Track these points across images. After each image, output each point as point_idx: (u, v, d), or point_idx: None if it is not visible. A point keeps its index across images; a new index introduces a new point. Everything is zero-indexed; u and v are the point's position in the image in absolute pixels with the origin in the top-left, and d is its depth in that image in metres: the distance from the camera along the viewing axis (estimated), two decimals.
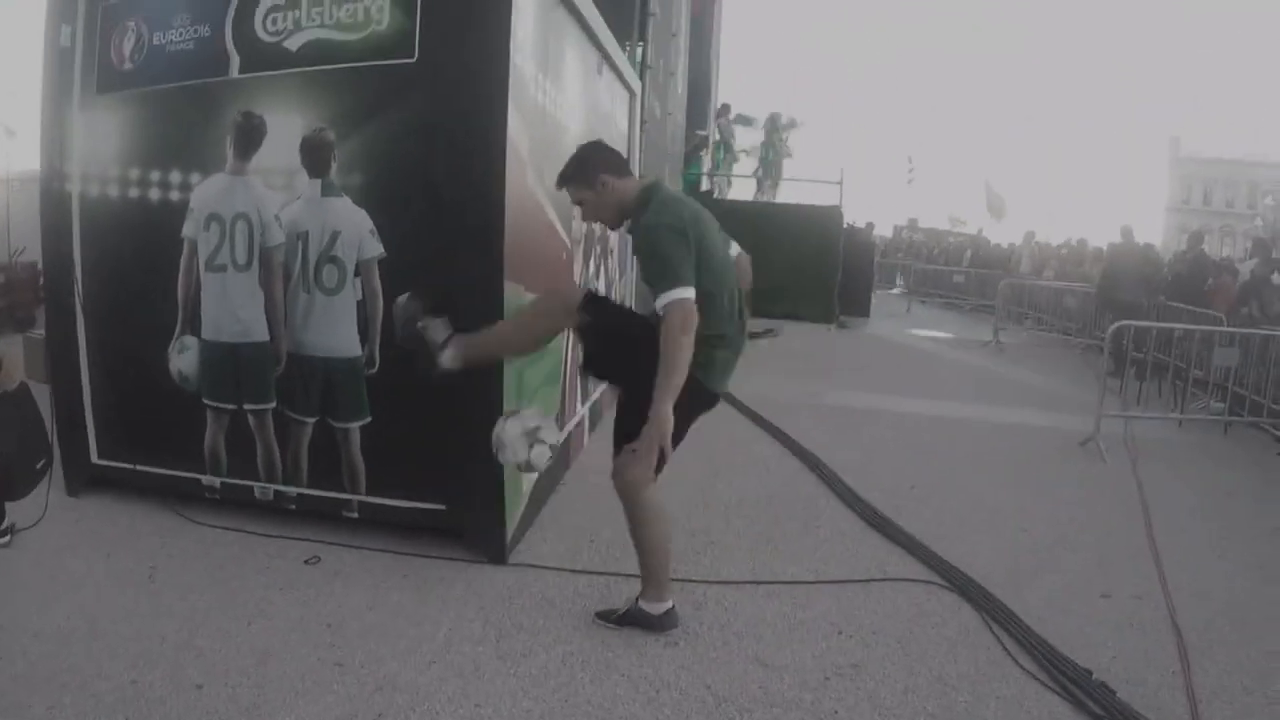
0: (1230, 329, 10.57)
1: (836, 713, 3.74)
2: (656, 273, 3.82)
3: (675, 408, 3.74)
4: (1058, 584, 5.24)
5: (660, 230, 3.88)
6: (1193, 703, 3.99)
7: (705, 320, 3.84)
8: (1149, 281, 13.65)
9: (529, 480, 5.31)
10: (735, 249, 4.25)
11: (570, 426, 6.65)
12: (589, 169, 4.09)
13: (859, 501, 6.46)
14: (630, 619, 4.21)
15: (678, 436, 3.88)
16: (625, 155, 4.54)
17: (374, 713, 3.51)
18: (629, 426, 3.92)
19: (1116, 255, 14.46)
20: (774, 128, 20.34)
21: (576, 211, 5.39)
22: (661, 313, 3.75)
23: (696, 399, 4.02)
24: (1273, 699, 4.08)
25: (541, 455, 4.13)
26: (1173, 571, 5.50)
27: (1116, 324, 10.20)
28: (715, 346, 4.02)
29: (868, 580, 5.09)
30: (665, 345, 3.69)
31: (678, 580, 4.35)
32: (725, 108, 21.81)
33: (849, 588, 4.98)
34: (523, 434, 4.09)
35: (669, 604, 4.21)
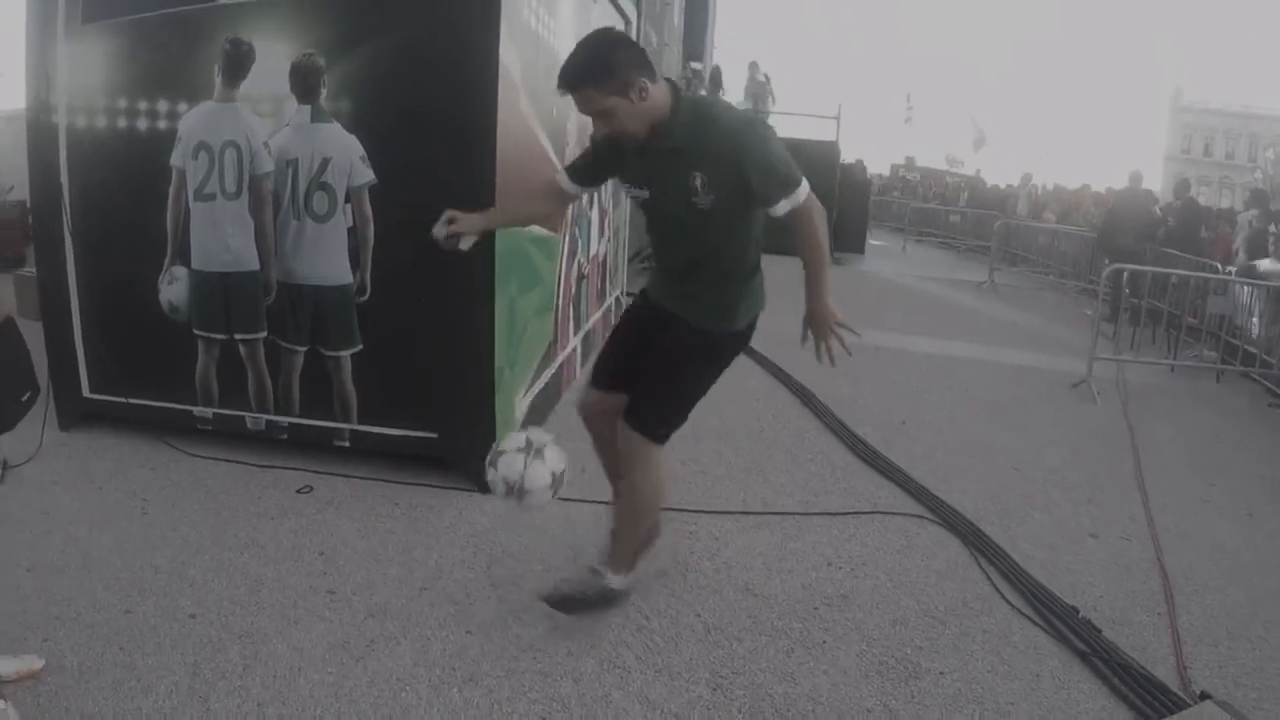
0: (1225, 277, 10.56)
1: (824, 642, 3.77)
2: (780, 176, 3.29)
3: (724, 356, 3.66)
4: (1046, 522, 5.28)
5: (757, 129, 3.34)
6: (1177, 643, 4.01)
7: (757, 249, 3.66)
8: (1149, 228, 13.61)
9: (521, 409, 5.33)
10: None
11: (562, 357, 6.65)
12: (619, 69, 3.15)
13: (850, 435, 6.49)
14: (595, 601, 3.67)
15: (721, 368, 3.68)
16: None
17: (366, 639, 3.52)
18: (660, 371, 3.61)
19: (1121, 201, 14.34)
20: (751, 78, 20.11)
21: (570, 133, 5.27)
22: (796, 209, 3.33)
23: (739, 339, 3.73)
24: (1256, 642, 4.12)
25: (535, 474, 3.48)
26: (1160, 514, 5.54)
27: (1111, 267, 10.19)
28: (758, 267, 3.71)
29: (857, 513, 5.11)
30: (818, 239, 3.38)
31: (668, 509, 4.27)
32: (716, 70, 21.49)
33: (839, 520, 5.00)
34: (524, 447, 3.55)
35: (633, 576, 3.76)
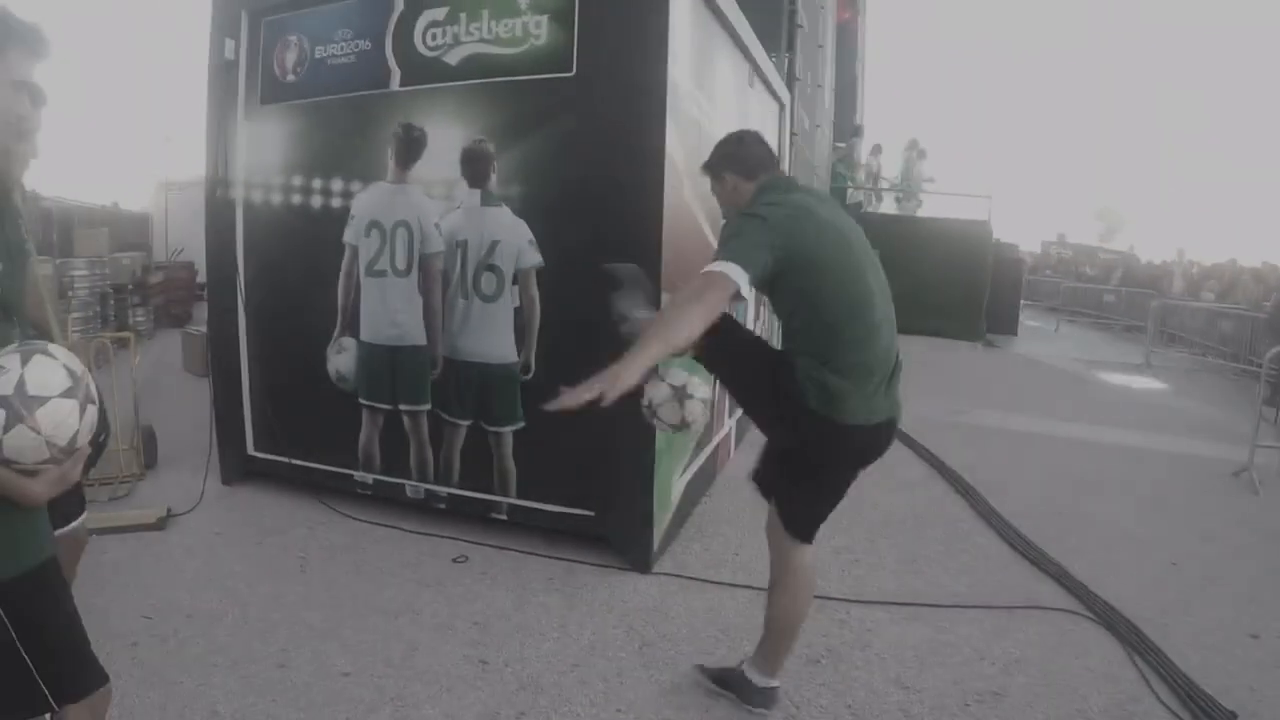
0: None
1: None
2: (719, 247, 3.25)
3: (814, 451, 3.46)
4: (1205, 621, 5.08)
5: (744, 213, 3.40)
6: None
7: (811, 338, 3.33)
8: None
9: (677, 490, 5.40)
10: None
11: (718, 439, 6.70)
12: (719, 162, 3.80)
13: (1005, 526, 6.36)
14: (731, 682, 3.78)
15: (833, 488, 3.56)
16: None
17: (516, 711, 3.60)
18: (774, 471, 3.65)
19: None
20: (911, 152, 19.99)
21: None
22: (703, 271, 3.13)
23: (823, 436, 3.38)
24: None
25: (694, 410, 3.70)
26: None
27: (1277, 349, 9.83)
28: (827, 370, 3.30)
29: (1011, 607, 5.00)
30: (677, 301, 3.06)
31: (821, 597, 4.34)
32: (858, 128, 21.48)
33: (993, 613, 4.90)
34: (671, 394, 3.71)
35: (776, 683, 3.75)
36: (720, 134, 5.87)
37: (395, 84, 5.16)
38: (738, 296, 3.06)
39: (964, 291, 16.71)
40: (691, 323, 2.96)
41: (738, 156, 3.76)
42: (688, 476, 5.75)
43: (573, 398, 2.89)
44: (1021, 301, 20.94)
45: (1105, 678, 4.34)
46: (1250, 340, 14.82)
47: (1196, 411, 11.99)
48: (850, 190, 18.77)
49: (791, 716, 3.75)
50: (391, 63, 5.15)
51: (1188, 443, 9.93)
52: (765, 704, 3.70)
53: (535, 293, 4.90)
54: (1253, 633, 4.99)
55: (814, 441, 3.40)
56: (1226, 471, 8.45)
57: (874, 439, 3.42)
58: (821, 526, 3.62)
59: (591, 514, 5.04)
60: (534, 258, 4.87)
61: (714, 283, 3.01)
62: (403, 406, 5.28)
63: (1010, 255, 19.79)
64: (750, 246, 3.16)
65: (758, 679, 3.70)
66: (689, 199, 5.20)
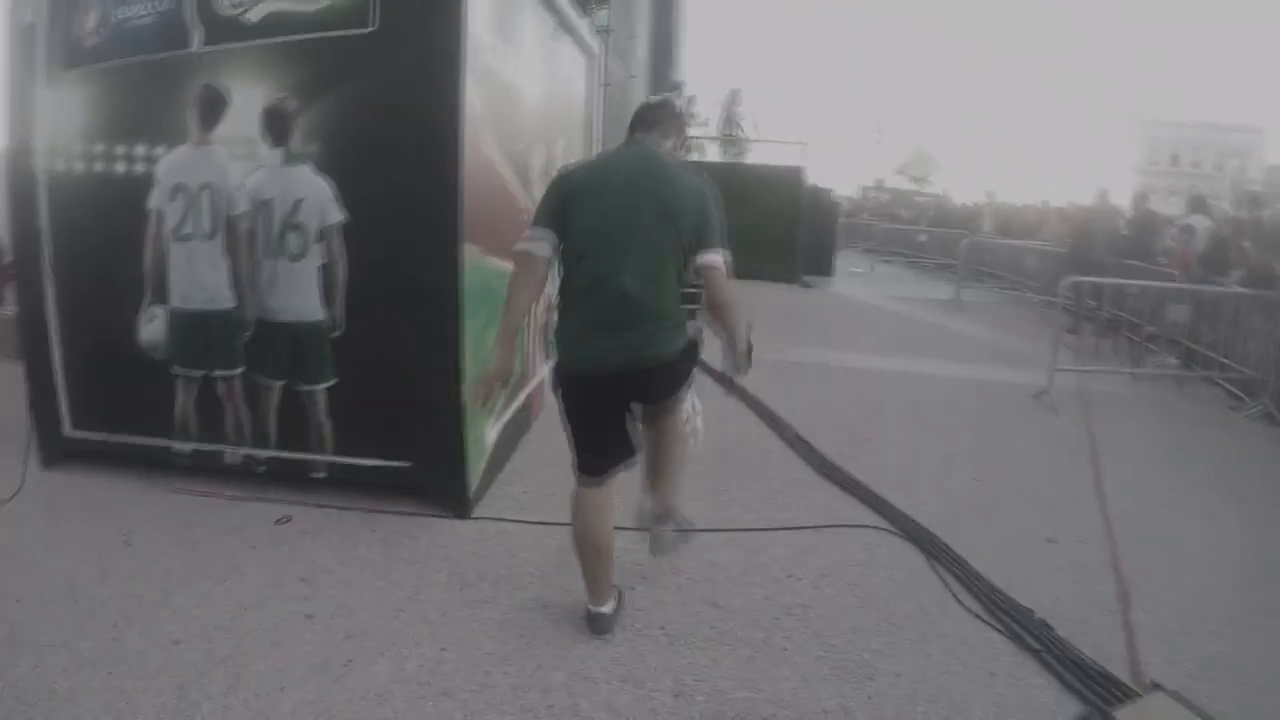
0: (1180, 285, 10.75)
1: (784, 649, 3.94)
2: None
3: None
4: (1005, 530, 5.44)
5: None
6: (1130, 639, 4.18)
7: (562, 279, 3.82)
8: (1118, 242, 13.79)
9: (490, 437, 5.50)
10: (705, 259, 3.74)
11: (531, 387, 6.82)
12: None
13: (812, 453, 6.65)
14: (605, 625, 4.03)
15: (578, 412, 3.86)
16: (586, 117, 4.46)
17: (344, 659, 3.67)
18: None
19: (1091, 216, 14.59)
20: (731, 101, 20.28)
21: (535, 167, 5.49)
22: None
23: (557, 370, 3.90)
24: (1209, 637, 4.29)
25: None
26: (1118, 518, 5.72)
27: (1071, 279, 10.39)
28: (561, 308, 3.84)
29: (818, 527, 5.27)
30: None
31: (638, 531, 4.52)
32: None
33: (801, 534, 5.16)
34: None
35: (604, 609, 4.03)
36: (524, 84, 5.99)
37: (197, 44, 5.04)
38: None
39: (780, 235, 17.13)
40: (512, 292, 3.74)
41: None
42: (502, 423, 5.84)
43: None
44: (838, 244, 21.51)
45: (909, 586, 4.62)
46: (1055, 274, 15.53)
47: (1002, 342, 12.66)
48: None
49: (608, 640, 3.92)
50: (193, 22, 5.02)
51: (993, 370, 10.50)
52: (596, 629, 3.98)
53: (340, 248, 4.88)
54: (1050, 538, 5.35)
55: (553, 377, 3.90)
56: (1028, 395, 8.96)
57: (594, 383, 3.79)
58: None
59: (408, 465, 5.10)
60: (337, 214, 4.85)
61: (516, 255, 3.72)
62: (216, 372, 5.21)
63: (825, 200, 20.33)
64: (539, 212, 3.78)
65: (591, 607, 4.01)
66: (491, 150, 5.26)
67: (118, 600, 4.06)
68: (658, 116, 4.04)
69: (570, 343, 3.78)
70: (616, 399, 3.83)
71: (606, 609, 4.00)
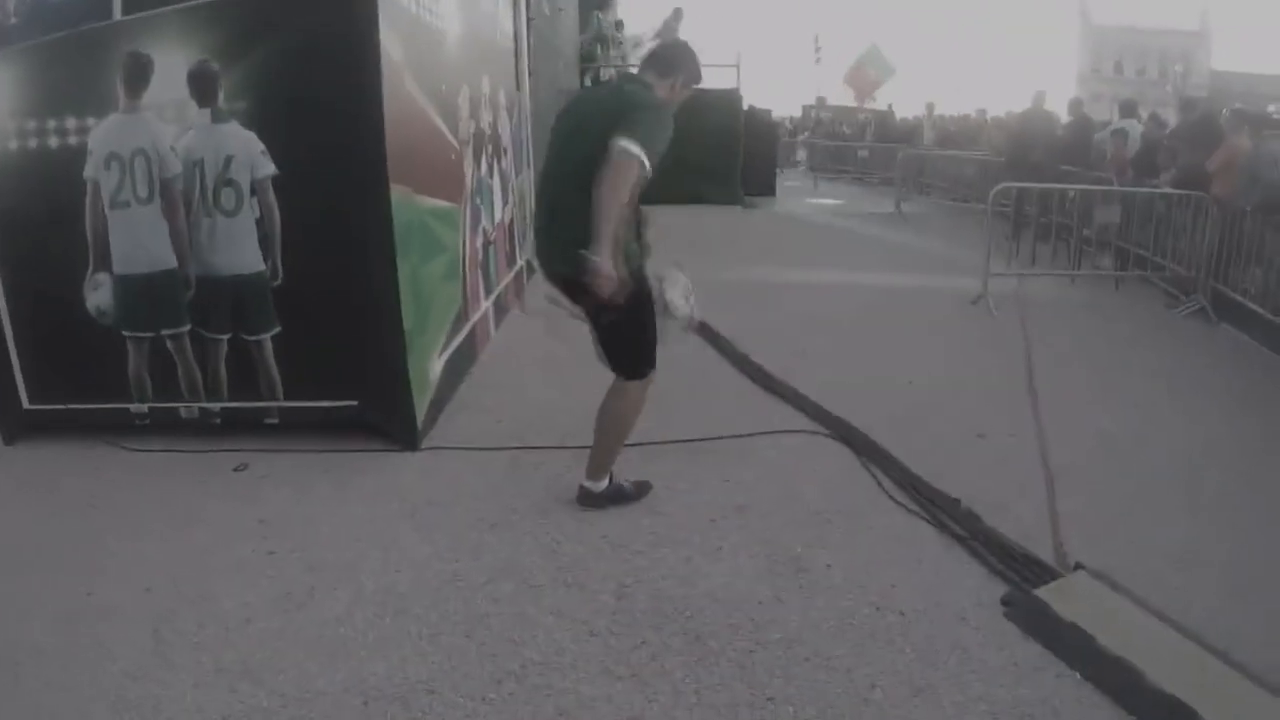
0: (1108, 187, 10.96)
1: (720, 549, 4.18)
2: None
3: None
4: (937, 429, 5.66)
5: None
6: (1054, 524, 4.42)
7: None
8: (1055, 146, 13.92)
9: (435, 370, 5.69)
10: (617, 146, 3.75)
11: (475, 319, 6.97)
12: None
13: (751, 365, 6.84)
14: (591, 501, 4.52)
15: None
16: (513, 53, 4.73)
17: (306, 588, 3.87)
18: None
19: (1025, 122, 14.66)
20: (674, 21, 20.03)
21: (461, 106, 5.57)
22: None
23: None
24: (1132, 521, 4.53)
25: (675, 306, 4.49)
26: (1049, 413, 5.94)
27: (1001, 185, 10.57)
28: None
29: (753, 434, 5.49)
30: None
31: (577, 447, 4.76)
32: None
33: (736, 442, 5.38)
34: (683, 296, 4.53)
35: (604, 481, 4.54)
36: (445, 23, 6.09)
37: (117, 13, 5.09)
38: None
39: (720, 158, 17.05)
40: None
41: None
42: (446, 356, 6.00)
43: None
44: (780, 163, 21.60)
45: (841, 485, 4.86)
46: (993, 183, 15.65)
47: (942, 251, 12.84)
48: (601, 68, 18.82)
49: (553, 550, 4.15)
50: None
51: (932, 279, 10.70)
52: (590, 503, 4.53)
53: (273, 200, 5.01)
54: (980, 433, 5.58)
55: None
56: (966, 301, 9.16)
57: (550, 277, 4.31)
58: (574, 381, 4.46)
59: (356, 403, 5.28)
60: (268, 167, 4.97)
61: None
62: (164, 331, 5.33)
63: (764, 120, 20.33)
64: None
65: (597, 486, 4.52)
66: (413, 92, 5.38)
67: (88, 557, 4.19)
68: (654, 58, 4.36)
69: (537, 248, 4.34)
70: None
71: (601, 486, 4.50)
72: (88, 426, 5.55)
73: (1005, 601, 3.76)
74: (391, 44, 4.96)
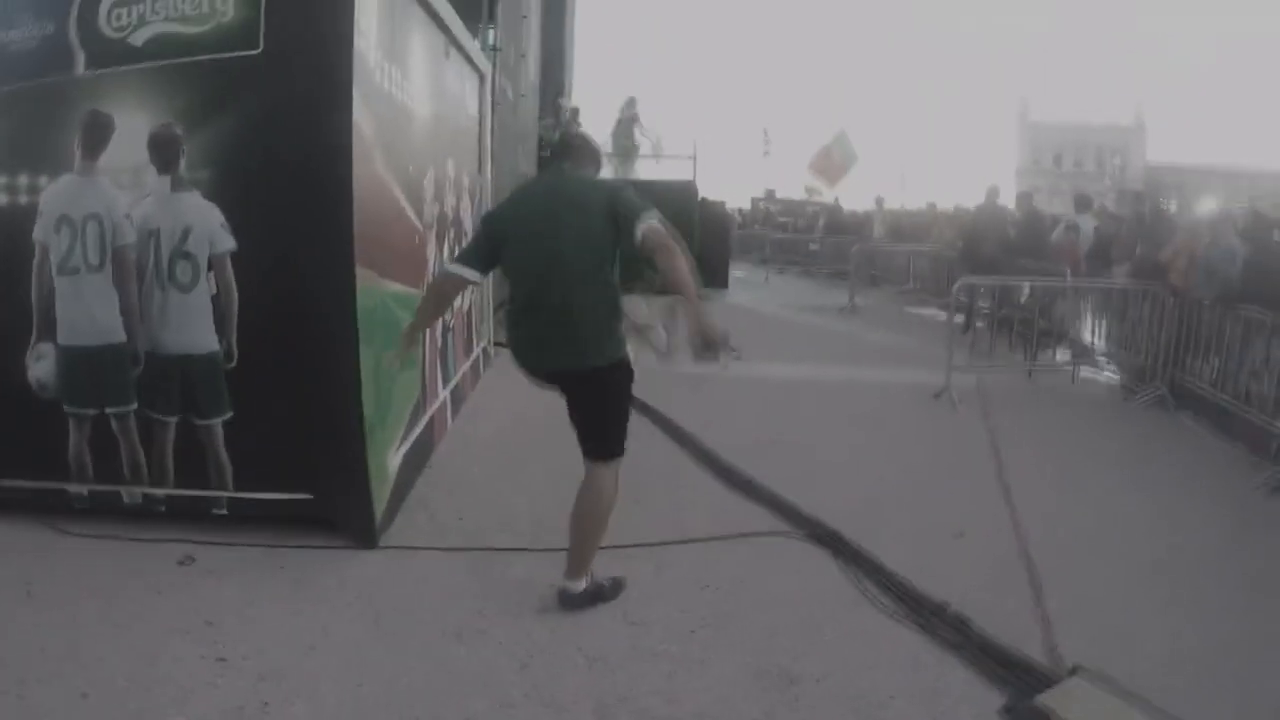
0: (1066, 282, 11.00)
1: (704, 661, 3.96)
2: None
3: None
4: (913, 526, 5.55)
5: None
6: (1046, 627, 4.29)
7: (511, 296, 4.41)
8: (1008, 241, 14.02)
9: (393, 463, 5.45)
10: (643, 227, 4.10)
11: (433, 410, 6.75)
12: None
13: (717, 463, 6.67)
14: (573, 602, 4.35)
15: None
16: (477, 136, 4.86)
17: (260, 701, 3.57)
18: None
19: (981, 215, 14.77)
20: (628, 112, 20.17)
21: (428, 188, 5.47)
22: None
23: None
24: (1122, 613, 4.46)
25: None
26: (1023, 507, 5.87)
27: (962, 280, 10.62)
28: (511, 324, 4.41)
29: (727, 537, 5.30)
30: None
31: (548, 550, 4.58)
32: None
33: (710, 545, 5.19)
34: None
35: (585, 580, 4.39)
36: (415, 105, 5.97)
37: (80, 68, 4.90)
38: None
39: None
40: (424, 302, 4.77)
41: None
42: (404, 449, 5.77)
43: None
44: (732, 256, 21.68)
45: (822, 589, 4.70)
46: (947, 276, 15.79)
47: (899, 344, 12.91)
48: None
49: (525, 665, 3.89)
50: (76, 45, 4.89)
51: (892, 372, 10.72)
52: (570, 605, 4.34)
53: (231, 277, 4.79)
54: (957, 532, 5.46)
55: None
56: (928, 395, 9.12)
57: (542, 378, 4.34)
58: (540, 481, 3.98)
59: (310, 497, 5.00)
60: (227, 242, 4.76)
61: (438, 275, 4.51)
62: (109, 409, 5.07)
63: (718, 212, 20.54)
64: (470, 246, 4.60)
65: (577, 585, 4.36)
66: (382, 170, 5.22)
67: (21, 654, 3.88)
68: (569, 147, 4.59)
69: (523, 348, 4.35)
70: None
71: (581, 586, 4.35)
72: (23, 505, 5.23)
73: (1007, 709, 3.66)
74: (364, 119, 4.81)
